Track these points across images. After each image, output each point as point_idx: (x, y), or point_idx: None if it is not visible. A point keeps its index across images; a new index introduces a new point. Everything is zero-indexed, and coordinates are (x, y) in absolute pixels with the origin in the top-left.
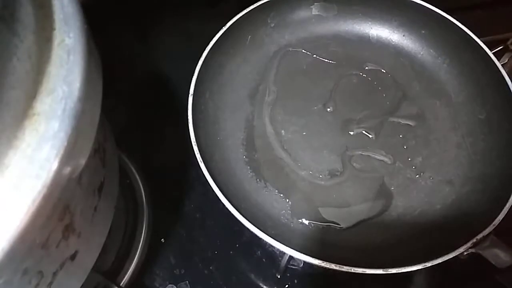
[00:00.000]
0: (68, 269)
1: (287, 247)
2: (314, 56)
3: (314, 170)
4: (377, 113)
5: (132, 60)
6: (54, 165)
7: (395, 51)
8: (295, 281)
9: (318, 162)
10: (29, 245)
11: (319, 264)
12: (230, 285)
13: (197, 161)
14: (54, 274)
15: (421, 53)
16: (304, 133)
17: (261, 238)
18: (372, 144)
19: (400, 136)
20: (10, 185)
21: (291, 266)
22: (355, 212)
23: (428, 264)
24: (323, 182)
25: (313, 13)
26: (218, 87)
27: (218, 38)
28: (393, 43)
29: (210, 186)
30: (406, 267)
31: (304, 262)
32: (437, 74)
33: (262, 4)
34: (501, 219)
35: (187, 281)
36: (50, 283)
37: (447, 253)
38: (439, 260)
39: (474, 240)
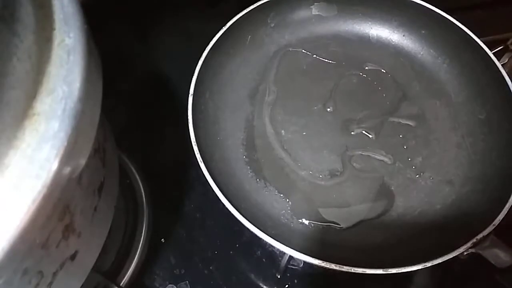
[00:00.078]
0: (68, 269)
1: (287, 247)
2: (314, 56)
3: (314, 170)
4: (377, 113)
5: (132, 60)
6: (54, 165)
7: (395, 51)
8: (295, 281)
9: (318, 162)
10: (29, 245)
11: (319, 264)
12: (230, 285)
13: (197, 161)
14: (54, 274)
15: (421, 53)
16: (304, 133)
17: (261, 238)
18: (372, 144)
19: (400, 136)
20: (10, 185)
21: (291, 266)
22: (355, 212)
23: (428, 264)
24: (323, 182)
25: (313, 13)
26: (218, 87)
27: (218, 38)
28: (393, 43)
29: (210, 186)
30: (406, 267)
31: (304, 262)
32: (437, 74)
33: (262, 4)
34: (501, 219)
35: (187, 281)
36: (50, 283)
37: (447, 253)
38: (439, 260)
39: (474, 240)
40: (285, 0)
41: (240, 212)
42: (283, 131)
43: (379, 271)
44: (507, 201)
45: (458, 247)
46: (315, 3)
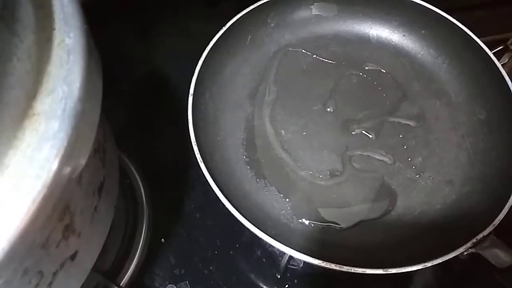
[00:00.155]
0: (68, 269)
1: (287, 247)
2: (314, 56)
3: (314, 170)
4: (377, 113)
5: (132, 60)
6: (54, 165)
7: (395, 51)
8: (295, 281)
9: (318, 162)
10: (29, 245)
11: (319, 264)
12: (230, 285)
13: (197, 161)
14: (54, 274)
15: (421, 53)
16: (304, 133)
17: (261, 238)
18: (372, 144)
19: (400, 136)
20: (10, 185)
21: (291, 266)
22: (355, 212)
23: (428, 264)
24: (323, 182)
25: (313, 13)
26: (218, 87)
27: (218, 38)
28: (393, 43)
29: (210, 186)
30: (406, 267)
31: (304, 262)
32: (437, 74)
33: (262, 4)
34: (501, 219)
35: (187, 281)
36: (50, 283)
37: (447, 253)
38: (439, 260)
39: (474, 240)
40: (285, 0)
41: (240, 212)
42: (283, 131)
43: (379, 271)
44: (507, 201)
45: (458, 247)
46: (315, 3)
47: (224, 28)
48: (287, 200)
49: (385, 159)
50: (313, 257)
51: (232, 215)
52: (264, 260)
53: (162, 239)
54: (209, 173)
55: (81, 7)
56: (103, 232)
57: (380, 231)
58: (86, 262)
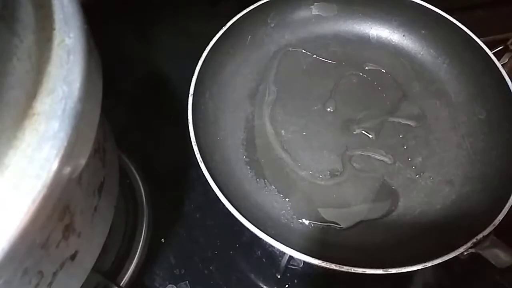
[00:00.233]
0: (68, 269)
1: (287, 247)
2: (314, 56)
3: (314, 170)
4: (377, 113)
5: (132, 60)
6: (54, 165)
7: (395, 51)
8: (295, 281)
9: (318, 162)
10: (29, 245)
11: (319, 264)
12: (230, 285)
13: (197, 161)
14: (54, 274)
15: (421, 53)
16: (304, 133)
17: (261, 238)
18: (372, 144)
19: (400, 136)
20: (10, 185)
21: (291, 266)
22: (355, 212)
23: (428, 264)
24: (323, 182)
25: (313, 13)
26: (218, 87)
27: (218, 38)
28: (393, 43)
29: (210, 186)
30: (406, 267)
31: (304, 262)
32: (437, 74)
33: (262, 4)
34: (501, 219)
35: (187, 281)
36: (50, 283)
37: (447, 253)
38: (439, 260)
39: (474, 240)
40: (285, 0)
41: (240, 212)
42: (283, 131)
43: (379, 271)
44: (507, 201)
45: (458, 247)
46: (315, 3)
47: (224, 28)
48: (287, 200)
49: (385, 159)
50: (313, 257)
51: (232, 215)
52: (264, 260)
53: (162, 239)
54: (209, 173)
55: (81, 7)
56: (103, 232)
57: (380, 231)
58: (86, 262)
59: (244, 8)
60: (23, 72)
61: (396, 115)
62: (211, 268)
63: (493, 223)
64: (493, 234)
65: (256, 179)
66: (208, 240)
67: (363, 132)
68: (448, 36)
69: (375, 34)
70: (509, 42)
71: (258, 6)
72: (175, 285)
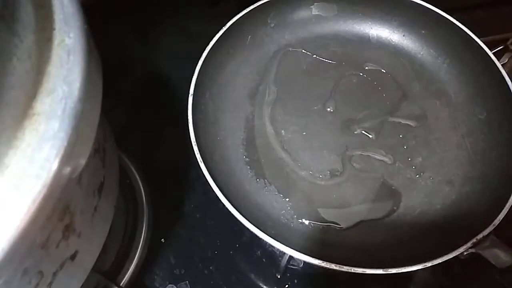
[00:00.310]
0: (68, 269)
1: (287, 247)
2: (314, 56)
3: (314, 170)
4: (377, 113)
5: (132, 60)
6: (54, 165)
7: (395, 51)
8: (295, 281)
9: (318, 162)
10: (29, 245)
11: (319, 264)
12: (230, 285)
13: (197, 161)
14: (54, 274)
15: (421, 53)
16: (304, 133)
17: (261, 238)
18: (372, 144)
19: (400, 136)
20: (10, 185)
21: (291, 266)
22: (355, 212)
23: (428, 264)
24: (323, 182)
25: (313, 13)
26: (218, 87)
27: (218, 38)
28: (393, 43)
29: (210, 186)
30: (406, 267)
31: (304, 262)
32: (437, 74)
33: (262, 4)
34: (501, 219)
35: (187, 281)
36: (50, 283)
37: (447, 253)
38: (439, 260)
39: (474, 240)
40: (285, 0)
41: (240, 212)
42: (283, 131)
43: (379, 271)
44: (507, 201)
45: (458, 247)
46: (315, 3)
47: (224, 28)
48: (287, 200)
49: (385, 159)
50: (313, 257)
51: (232, 215)
52: (264, 260)
53: (162, 239)
54: (209, 173)
55: (81, 7)
56: (103, 232)
57: (380, 231)
58: (86, 262)
59: (244, 8)
60: (23, 72)
61: (396, 115)
62: (211, 268)
63: (493, 223)
64: (493, 234)
65: (256, 179)
66: (208, 240)
67: (363, 132)
68: (448, 36)
69: (375, 34)
70: (509, 42)
71: (258, 6)
72: (175, 285)
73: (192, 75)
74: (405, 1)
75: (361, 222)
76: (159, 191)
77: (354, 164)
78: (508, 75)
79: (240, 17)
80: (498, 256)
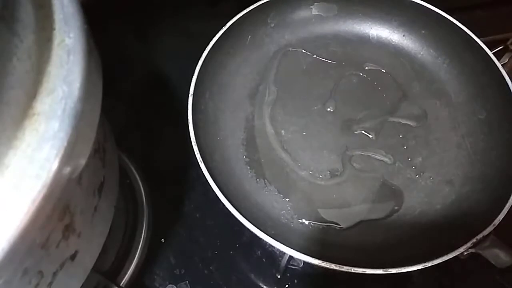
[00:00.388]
0: (68, 269)
1: (287, 247)
2: (314, 56)
3: (314, 170)
4: (377, 113)
5: (132, 60)
6: (54, 165)
7: (395, 51)
8: (295, 281)
9: (318, 162)
10: (29, 245)
11: (319, 264)
12: (230, 285)
13: (197, 161)
14: (54, 274)
15: (421, 53)
16: (304, 133)
17: (261, 238)
18: (372, 144)
19: (400, 136)
20: (10, 185)
21: (291, 266)
22: (355, 212)
23: (428, 264)
24: (323, 182)
25: (313, 13)
26: (218, 87)
27: (218, 38)
28: (393, 43)
29: (210, 186)
30: (406, 267)
31: (304, 262)
32: (437, 74)
33: (262, 4)
34: (501, 219)
35: (187, 281)
36: (50, 283)
37: (447, 253)
38: (439, 260)
39: (474, 240)
40: (285, 0)
41: (240, 212)
42: (283, 131)
43: (379, 271)
44: (507, 201)
45: (458, 247)
46: (315, 3)
47: (224, 28)
48: (287, 200)
49: (385, 159)
50: (313, 257)
51: (232, 215)
52: (264, 260)
53: (162, 239)
54: (209, 173)
55: (81, 7)
56: (103, 232)
57: (380, 231)
58: (86, 262)
59: (244, 8)
60: (23, 72)
61: (396, 115)
62: (211, 268)
63: (493, 223)
64: (493, 234)
65: (256, 179)
66: (208, 240)
67: (363, 132)
68: (448, 36)
69: (375, 34)
70: (509, 42)
71: (258, 6)
72: (175, 285)
73: (192, 75)
74: (405, 1)
75: (361, 222)
76: (159, 191)
77: (354, 164)
78: (508, 75)
79: (240, 17)
80: (498, 256)
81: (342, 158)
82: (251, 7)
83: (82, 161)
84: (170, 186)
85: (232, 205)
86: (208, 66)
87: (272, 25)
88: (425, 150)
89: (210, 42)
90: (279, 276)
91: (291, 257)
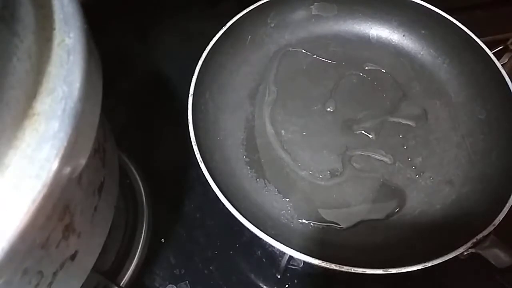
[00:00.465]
0: (68, 269)
1: (287, 247)
2: (314, 56)
3: (314, 170)
4: (377, 113)
5: (132, 60)
6: (54, 165)
7: (395, 51)
8: (295, 281)
9: (318, 162)
10: (29, 245)
11: (319, 264)
12: (230, 285)
13: (197, 161)
14: (54, 274)
15: (421, 53)
16: (304, 133)
17: (261, 238)
18: (372, 144)
19: (400, 136)
20: (10, 185)
21: (291, 266)
22: (355, 212)
23: (428, 264)
24: (323, 182)
25: (313, 13)
26: (218, 87)
27: (218, 38)
28: (393, 43)
29: (210, 186)
30: (406, 267)
31: (304, 262)
32: (437, 74)
33: (262, 4)
34: (501, 219)
35: (187, 281)
36: (50, 283)
37: (447, 253)
38: (439, 260)
39: (474, 240)
40: (285, 0)
41: (240, 212)
42: (283, 131)
43: (379, 271)
44: (507, 201)
45: (458, 247)
46: (315, 3)
47: (224, 28)
48: (287, 200)
49: (385, 159)
50: (313, 257)
51: (232, 215)
52: (264, 260)
53: (162, 239)
54: (209, 173)
55: (81, 7)
56: (103, 232)
57: (380, 231)
58: (86, 262)
59: (244, 8)
60: (23, 72)
61: (396, 115)
62: (211, 268)
63: (493, 223)
64: (493, 234)
65: (256, 179)
66: (208, 240)
67: (363, 132)
68: (448, 36)
69: (375, 34)
70: (509, 42)
71: (258, 6)
72: (175, 285)
73: (192, 75)
74: (405, 1)
75: (361, 222)
76: (159, 191)
77: (354, 164)
78: (508, 75)
79: (240, 17)
80: (498, 256)
81: (342, 158)
82: (251, 7)
83: (82, 161)
84: (170, 186)
85: (232, 205)
86: (208, 66)
87: (272, 25)
88: (425, 150)
89: (210, 42)
90: (279, 276)
91: (291, 257)
